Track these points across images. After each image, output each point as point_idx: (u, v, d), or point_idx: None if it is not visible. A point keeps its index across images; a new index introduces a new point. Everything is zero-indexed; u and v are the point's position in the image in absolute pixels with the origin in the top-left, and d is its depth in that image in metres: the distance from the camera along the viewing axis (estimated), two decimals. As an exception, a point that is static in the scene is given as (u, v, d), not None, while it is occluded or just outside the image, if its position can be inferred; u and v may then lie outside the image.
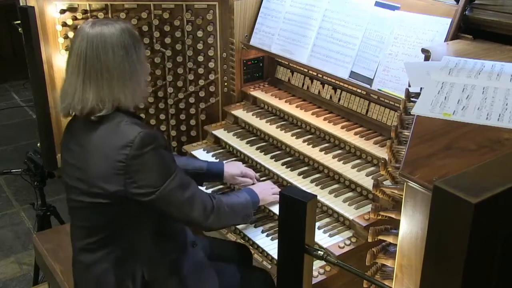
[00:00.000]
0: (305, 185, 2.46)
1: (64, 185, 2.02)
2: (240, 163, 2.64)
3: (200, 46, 3.07)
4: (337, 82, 2.73)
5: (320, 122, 2.72)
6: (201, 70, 3.11)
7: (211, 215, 2.01)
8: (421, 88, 1.69)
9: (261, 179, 2.63)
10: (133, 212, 1.92)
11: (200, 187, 2.62)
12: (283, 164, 2.62)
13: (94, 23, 1.89)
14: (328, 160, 2.53)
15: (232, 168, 2.52)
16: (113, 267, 1.97)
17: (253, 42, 3.08)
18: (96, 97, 1.85)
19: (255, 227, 2.43)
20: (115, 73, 1.86)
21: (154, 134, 1.88)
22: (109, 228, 1.95)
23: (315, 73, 2.88)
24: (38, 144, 3.11)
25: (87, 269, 2.01)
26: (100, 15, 2.96)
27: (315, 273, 2.07)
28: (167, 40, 3.04)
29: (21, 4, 2.85)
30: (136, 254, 1.98)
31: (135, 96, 1.93)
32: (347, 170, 2.45)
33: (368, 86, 2.52)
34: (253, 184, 2.52)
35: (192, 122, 3.21)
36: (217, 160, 2.80)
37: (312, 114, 2.79)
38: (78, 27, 1.96)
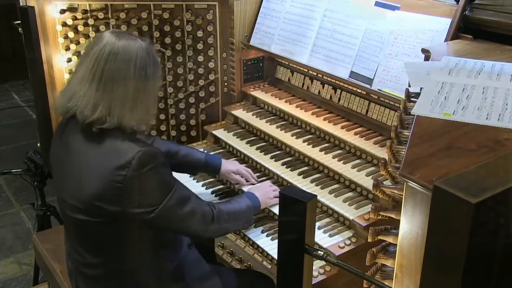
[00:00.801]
0: (305, 185, 2.45)
1: (58, 199, 2.00)
2: (238, 163, 2.66)
3: (200, 46, 3.07)
4: (337, 82, 2.73)
5: (320, 122, 2.72)
6: (201, 70, 3.11)
7: (211, 226, 2.00)
8: (421, 88, 1.69)
9: (261, 179, 2.63)
10: (132, 227, 1.90)
11: (199, 183, 2.65)
12: (283, 164, 2.62)
13: (119, 34, 1.84)
14: (328, 160, 2.53)
15: (229, 165, 2.56)
16: (116, 280, 1.97)
17: (253, 42, 3.08)
18: (106, 109, 1.80)
19: (255, 227, 2.42)
20: (131, 91, 1.81)
21: (152, 153, 1.82)
22: (108, 243, 1.93)
23: (315, 73, 2.88)
24: (38, 144, 3.11)
25: (90, 280, 2.01)
26: (100, 15, 2.96)
27: (315, 273, 2.07)
28: (167, 40, 3.04)
29: (21, 4, 2.85)
30: (137, 266, 1.97)
31: (140, 118, 1.88)
32: (347, 170, 2.45)
33: (368, 86, 2.52)
34: (250, 184, 2.53)
35: (192, 122, 3.21)
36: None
37: (312, 114, 2.79)
38: (100, 34, 1.91)
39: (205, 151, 2.91)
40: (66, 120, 1.93)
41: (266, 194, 2.40)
